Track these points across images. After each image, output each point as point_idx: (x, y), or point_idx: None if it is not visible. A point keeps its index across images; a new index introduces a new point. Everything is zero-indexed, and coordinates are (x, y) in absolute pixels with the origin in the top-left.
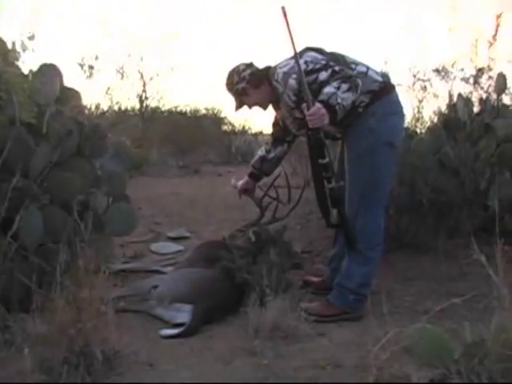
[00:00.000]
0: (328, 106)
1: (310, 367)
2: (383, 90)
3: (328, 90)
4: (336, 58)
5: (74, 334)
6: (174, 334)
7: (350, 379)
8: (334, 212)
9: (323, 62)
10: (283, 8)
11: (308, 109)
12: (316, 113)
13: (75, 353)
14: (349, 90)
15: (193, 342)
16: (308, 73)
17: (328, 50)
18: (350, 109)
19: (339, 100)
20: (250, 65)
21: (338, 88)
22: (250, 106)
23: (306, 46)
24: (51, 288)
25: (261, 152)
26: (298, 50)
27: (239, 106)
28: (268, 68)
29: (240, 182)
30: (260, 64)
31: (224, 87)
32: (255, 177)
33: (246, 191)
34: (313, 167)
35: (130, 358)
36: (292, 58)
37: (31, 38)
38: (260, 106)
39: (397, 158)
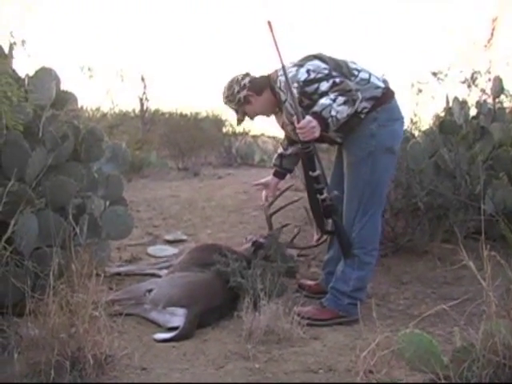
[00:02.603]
0: (320, 118)
1: (302, 371)
2: (385, 96)
3: (323, 101)
4: (339, 66)
5: (67, 337)
6: (168, 337)
7: None
8: (329, 221)
9: (325, 72)
10: (269, 22)
11: (298, 121)
12: (306, 125)
13: (67, 357)
14: (345, 103)
15: (186, 345)
16: (309, 82)
17: (330, 55)
18: (351, 116)
19: (333, 113)
20: (247, 74)
21: (334, 100)
22: (252, 116)
23: (310, 54)
24: (45, 292)
25: (279, 150)
26: (302, 57)
27: (242, 117)
28: (267, 76)
29: (263, 180)
30: (258, 71)
31: (223, 101)
32: (279, 174)
33: (267, 187)
34: (306, 179)
35: (123, 361)
36: (294, 65)
37: (23, 42)
38: (263, 113)
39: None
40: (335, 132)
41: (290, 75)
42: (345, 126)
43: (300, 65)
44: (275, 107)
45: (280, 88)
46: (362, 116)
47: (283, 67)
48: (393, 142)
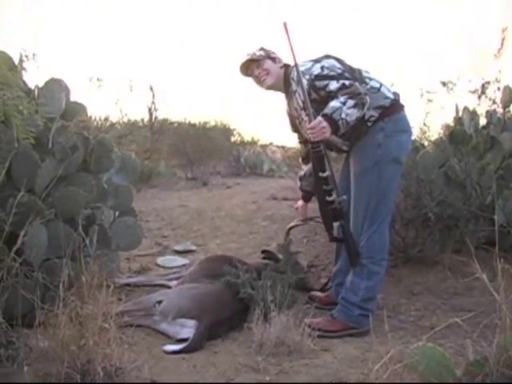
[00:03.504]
0: (331, 120)
1: None
2: (394, 107)
3: (334, 104)
4: (352, 70)
5: (77, 350)
6: (178, 349)
7: None
8: (336, 226)
9: (339, 71)
10: (285, 24)
11: (309, 122)
12: (317, 126)
13: (77, 369)
14: (355, 106)
15: (196, 357)
16: (321, 77)
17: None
18: (359, 123)
19: (343, 115)
20: None
21: (344, 103)
22: (269, 80)
23: (327, 54)
24: (54, 303)
25: (300, 172)
26: (318, 56)
27: (261, 77)
28: (285, 64)
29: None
30: None
31: (244, 66)
32: (304, 197)
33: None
34: (315, 180)
35: (133, 373)
36: (311, 60)
37: (33, 56)
38: (276, 82)
39: (402, 173)
40: (342, 140)
41: (304, 68)
42: (352, 134)
43: (317, 61)
44: (281, 88)
45: (293, 78)
46: (369, 124)
47: (297, 69)
48: (399, 153)
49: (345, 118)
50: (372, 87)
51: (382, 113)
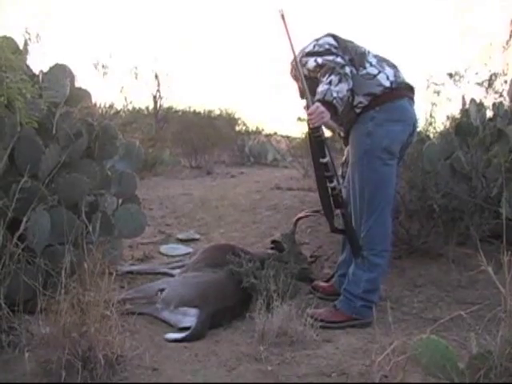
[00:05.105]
0: (326, 103)
1: (314, 374)
2: (386, 96)
3: (321, 88)
4: (347, 50)
5: (78, 337)
6: (180, 338)
7: None
8: (338, 213)
9: (326, 47)
10: (281, 11)
11: (307, 108)
12: (315, 111)
13: (78, 356)
14: (340, 81)
15: (198, 346)
16: (309, 54)
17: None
18: (347, 108)
19: (334, 94)
20: None
21: (330, 83)
22: None
23: (329, 32)
24: (56, 290)
25: None
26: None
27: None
28: None
29: None
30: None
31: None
32: None
33: None
34: (315, 167)
35: (134, 362)
36: (314, 39)
37: (37, 37)
38: None
39: (398, 166)
40: (337, 124)
41: (305, 47)
42: (343, 120)
43: (317, 39)
44: None
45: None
46: (358, 111)
47: (294, 57)
48: (389, 143)
49: (337, 96)
50: (368, 73)
51: (373, 101)
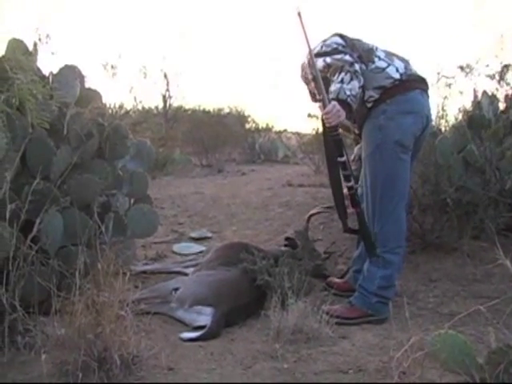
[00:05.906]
0: (340, 102)
1: (331, 371)
2: (397, 88)
3: (333, 87)
4: (355, 48)
5: (93, 337)
6: (195, 337)
7: None
8: (353, 212)
9: (333, 46)
10: (299, 13)
11: (324, 107)
12: (331, 110)
13: (94, 357)
14: (351, 79)
15: (213, 345)
16: (317, 55)
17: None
18: (359, 105)
19: (348, 92)
20: None
21: (342, 81)
22: None
23: (336, 32)
24: (71, 291)
25: None
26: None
27: None
28: None
29: None
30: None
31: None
32: None
33: None
34: (329, 167)
35: (150, 361)
36: (322, 40)
37: (47, 37)
38: None
39: (410, 159)
40: (351, 122)
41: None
42: (356, 116)
43: (324, 40)
44: None
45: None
46: (369, 105)
47: (312, 59)
48: (401, 136)
49: (350, 94)
50: (377, 67)
51: (384, 93)
